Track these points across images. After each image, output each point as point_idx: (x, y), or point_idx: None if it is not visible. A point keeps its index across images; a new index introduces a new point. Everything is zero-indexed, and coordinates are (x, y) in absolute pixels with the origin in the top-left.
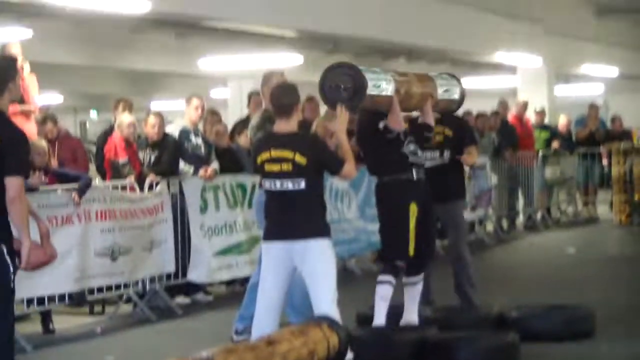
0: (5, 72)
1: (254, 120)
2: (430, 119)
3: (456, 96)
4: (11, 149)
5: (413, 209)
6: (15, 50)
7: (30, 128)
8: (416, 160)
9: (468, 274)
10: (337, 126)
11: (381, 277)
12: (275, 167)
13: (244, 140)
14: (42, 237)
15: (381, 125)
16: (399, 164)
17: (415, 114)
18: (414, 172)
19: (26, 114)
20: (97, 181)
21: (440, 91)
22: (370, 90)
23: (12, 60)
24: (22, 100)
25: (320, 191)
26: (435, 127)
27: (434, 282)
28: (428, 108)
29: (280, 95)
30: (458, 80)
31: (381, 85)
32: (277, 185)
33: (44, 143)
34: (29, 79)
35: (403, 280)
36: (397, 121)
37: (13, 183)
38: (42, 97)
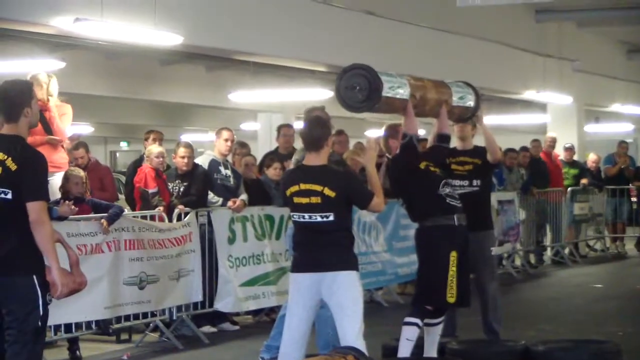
0: (20, 96)
1: (298, 155)
2: (446, 127)
3: (471, 103)
4: (28, 174)
5: (453, 256)
6: (45, 80)
7: (57, 158)
8: (454, 203)
9: (495, 309)
10: (367, 159)
11: (409, 319)
12: (304, 200)
13: (272, 172)
14: (72, 265)
15: (423, 165)
16: (438, 205)
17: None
18: (455, 218)
19: (53, 145)
20: (126, 211)
21: (455, 98)
22: (386, 93)
23: (27, 85)
24: (50, 131)
25: (349, 224)
26: (465, 158)
27: (459, 316)
28: (444, 116)
29: (311, 129)
30: (473, 88)
31: (396, 88)
32: (306, 217)
33: (81, 173)
34: (58, 109)
35: (425, 321)
36: (412, 125)
37: (34, 208)
38: (72, 128)
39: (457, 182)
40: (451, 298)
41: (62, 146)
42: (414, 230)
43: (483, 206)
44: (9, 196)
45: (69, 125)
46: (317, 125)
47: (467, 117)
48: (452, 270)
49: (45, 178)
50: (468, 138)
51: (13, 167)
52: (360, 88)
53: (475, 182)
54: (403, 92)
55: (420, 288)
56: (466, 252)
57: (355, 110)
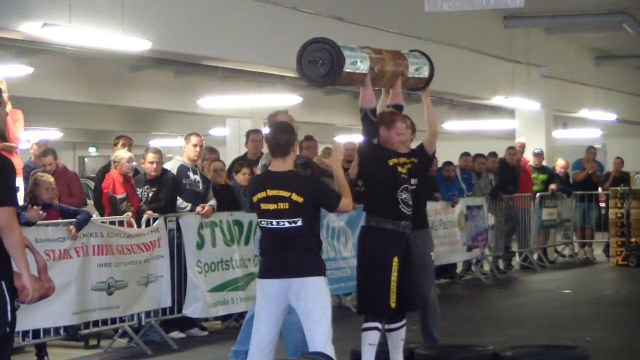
0: None
1: (265, 159)
2: (401, 99)
3: (426, 74)
4: None
5: (395, 262)
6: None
7: (15, 164)
8: (405, 210)
9: (435, 315)
10: (333, 160)
11: (367, 325)
12: (271, 206)
13: (241, 177)
14: (40, 271)
15: (391, 162)
16: (390, 208)
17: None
18: (401, 224)
19: (8, 151)
20: (94, 216)
21: (411, 69)
22: (347, 68)
23: None
24: (3, 138)
25: (316, 229)
26: (404, 159)
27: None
28: (398, 86)
29: (276, 135)
30: (428, 59)
31: (357, 62)
32: (274, 223)
33: (51, 178)
34: (12, 115)
35: (385, 326)
36: (368, 98)
37: (3, 213)
38: (36, 134)
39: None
40: (393, 303)
41: (16, 152)
42: None
43: (420, 206)
44: None
45: (21, 130)
46: (283, 131)
47: (420, 87)
48: (394, 275)
49: (13, 183)
50: (407, 142)
51: None
52: (322, 62)
53: (412, 181)
54: (363, 67)
55: (362, 292)
56: (408, 258)
57: (315, 84)
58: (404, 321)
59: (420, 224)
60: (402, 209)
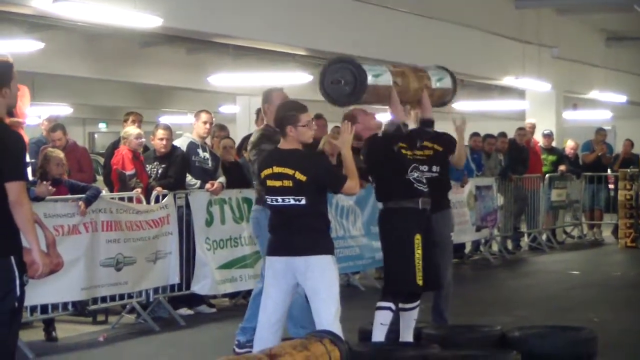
0: None
1: (253, 137)
2: (430, 112)
3: (449, 84)
4: (6, 154)
5: (418, 239)
6: None
7: None
8: (420, 187)
9: (447, 296)
10: (342, 142)
11: (381, 304)
12: (276, 183)
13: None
14: (49, 246)
15: (395, 148)
16: (404, 189)
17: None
18: (419, 201)
19: (15, 127)
20: (104, 192)
21: (434, 80)
22: (370, 81)
23: (7, 65)
24: (11, 113)
25: (323, 208)
26: (426, 142)
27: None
28: (426, 101)
29: (277, 113)
30: (448, 71)
31: (379, 75)
32: (279, 200)
33: (61, 154)
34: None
35: (399, 305)
36: (398, 111)
37: (13, 188)
38: (46, 109)
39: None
40: (420, 280)
41: (22, 128)
42: None
43: (443, 188)
44: None
45: (28, 106)
46: (281, 109)
47: (448, 99)
48: (418, 252)
49: (23, 158)
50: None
51: None
52: (345, 81)
53: (434, 168)
54: (386, 79)
55: (388, 273)
56: (430, 235)
57: (342, 105)
58: (418, 302)
59: (441, 205)
60: (418, 187)
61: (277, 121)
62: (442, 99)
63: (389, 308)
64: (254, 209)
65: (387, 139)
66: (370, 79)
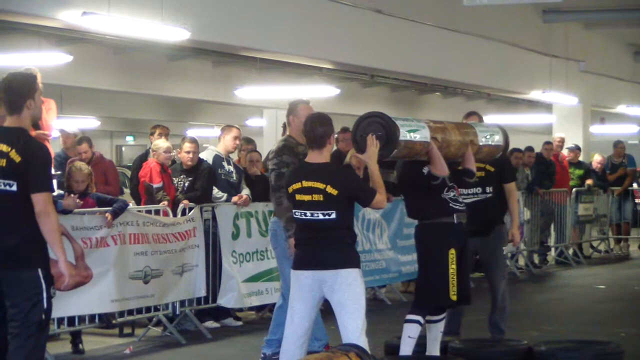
0: (23, 88)
1: (275, 146)
2: (472, 164)
3: (500, 142)
4: (32, 165)
5: (452, 254)
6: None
7: None
8: (456, 206)
9: (503, 308)
10: (369, 156)
11: (410, 317)
12: (306, 197)
13: None
14: (77, 258)
15: (425, 170)
16: (440, 207)
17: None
18: (454, 216)
19: (41, 139)
20: (131, 205)
21: (480, 137)
22: (404, 136)
23: (32, 77)
24: (37, 126)
25: (350, 221)
26: (477, 163)
27: (465, 316)
28: (469, 154)
29: (313, 126)
30: (500, 127)
31: (415, 130)
32: (308, 215)
33: (85, 169)
34: (44, 105)
35: (426, 317)
36: (440, 167)
37: (39, 199)
38: (63, 122)
39: (470, 190)
40: (453, 296)
41: (48, 141)
42: None
43: (497, 209)
44: (14, 188)
45: (54, 119)
46: (320, 123)
47: (498, 155)
48: (452, 267)
49: (49, 169)
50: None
51: (17, 159)
52: (377, 136)
53: (488, 189)
54: (422, 135)
55: (422, 286)
56: (465, 250)
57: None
58: (444, 314)
59: (496, 223)
60: (453, 206)
61: (316, 134)
62: (492, 156)
63: (417, 321)
64: (272, 220)
65: (419, 162)
66: (403, 134)
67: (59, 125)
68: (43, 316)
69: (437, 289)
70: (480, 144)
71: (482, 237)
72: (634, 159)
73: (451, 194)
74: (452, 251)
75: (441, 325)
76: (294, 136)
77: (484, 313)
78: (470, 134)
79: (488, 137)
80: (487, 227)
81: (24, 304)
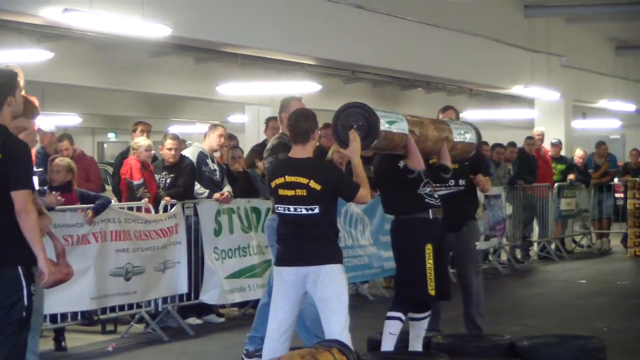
0: (4, 86)
1: (269, 144)
2: (448, 160)
3: (473, 140)
4: (13, 163)
5: (429, 249)
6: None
7: None
8: (432, 202)
9: (479, 304)
10: (351, 151)
11: (391, 314)
12: (289, 192)
13: (261, 165)
14: (58, 256)
15: (401, 164)
16: (415, 203)
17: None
18: (430, 212)
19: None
20: (113, 202)
21: (455, 134)
22: (384, 127)
23: (12, 74)
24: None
25: (333, 217)
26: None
27: (442, 311)
28: (445, 150)
29: (298, 121)
30: (473, 126)
31: (394, 122)
32: (291, 210)
33: (64, 162)
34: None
35: (409, 315)
36: (417, 160)
37: (19, 197)
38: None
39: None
40: (432, 290)
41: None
42: None
43: (469, 203)
44: None
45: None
46: (304, 118)
47: (471, 154)
48: (429, 262)
49: (30, 167)
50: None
51: None
52: (357, 126)
53: (461, 182)
54: (401, 127)
55: (400, 282)
56: (442, 245)
57: None
58: (429, 312)
59: (468, 216)
60: (429, 201)
61: (300, 129)
62: (465, 154)
63: (398, 318)
64: (270, 217)
65: (395, 157)
66: (383, 125)
67: (44, 123)
68: (24, 313)
69: (414, 284)
70: (455, 140)
71: (455, 231)
72: (616, 159)
73: (427, 189)
74: (429, 246)
75: (425, 323)
76: (287, 133)
77: (462, 308)
78: (445, 130)
79: (462, 134)
80: (459, 220)
81: (4, 302)
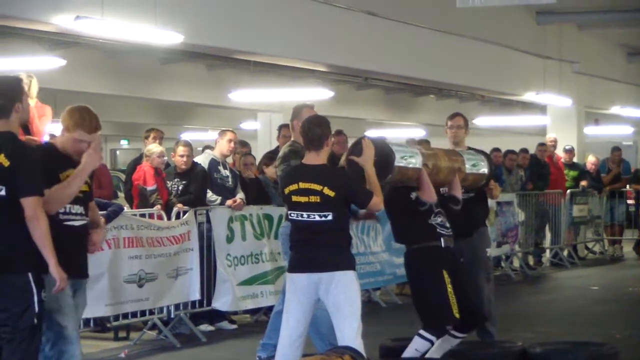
0: (12, 92)
1: (282, 152)
2: (458, 192)
3: (485, 170)
4: (21, 169)
5: (445, 275)
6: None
7: None
8: (443, 232)
9: (489, 310)
10: (364, 159)
11: (425, 334)
12: (302, 199)
13: (271, 172)
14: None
15: (413, 196)
16: (426, 233)
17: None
18: (442, 240)
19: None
20: (126, 209)
21: (468, 165)
22: (399, 162)
23: (18, 80)
24: (28, 131)
25: (346, 223)
26: None
27: None
28: (456, 182)
29: (311, 128)
30: (486, 155)
31: (409, 157)
32: (304, 216)
33: None
34: (38, 111)
35: (450, 331)
36: (429, 193)
37: (29, 203)
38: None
39: None
40: (457, 314)
41: None
42: None
43: (480, 210)
44: (3, 192)
45: (47, 125)
46: (317, 125)
47: (482, 184)
48: (449, 287)
49: (38, 173)
50: (462, 142)
51: (6, 163)
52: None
53: (471, 192)
54: (415, 162)
55: (422, 311)
56: (455, 272)
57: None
58: (464, 335)
59: (478, 224)
60: (440, 231)
61: (313, 136)
62: (476, 184)
63: (430, 341)
64: (284, 224)
65: (406, 188)
66: (398, 160)
67: (51, 131)
68: (35, 320)
69: (438, 310)
70: (467, 171)
71: (465, 238)
72: (629, 165)
73: (439, 219)
74: (444, 273)
75: (456, 342)
76: (299, 141)
77: None
78: (458, 162)
79: (474, 165)
80: (469, 226)
81: (14, 309)
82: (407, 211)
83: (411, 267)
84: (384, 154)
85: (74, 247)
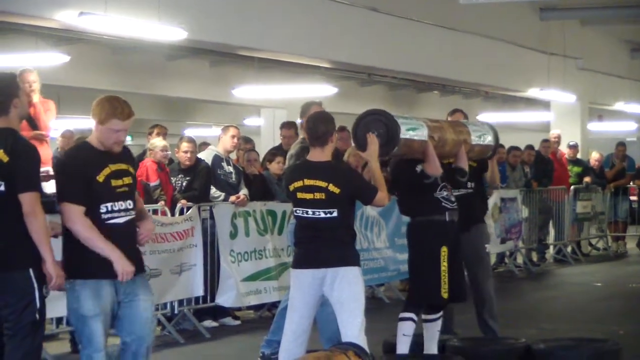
0: (9, 88)
1: (293, 149)
2: (465, 163)
3: (491, 142)
4: (20, 165)
5: (444, 251)
6: (33, 78)
7: (44, 153)
8: (448, 205)
9: (491, 307)
10: (369, 154)
11: (404, 315)
12: (308, 196)
13: (275, 166)
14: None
15: (418, 169)
16: (432, 206)
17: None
18: (446, 214)
19: (39, 139)
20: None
21: (473, 137)
22: (404, 135)
23: (13, 76)
24: (35, 126)
25: (351, 220)
26: None
27: (457, 314)
28: (462, 153)
29: (316, 125)
30: (491, 127)
31: (415, 129)
32: (309, 213)
33: None
34: (42, 105)
35: (422, 316)
36: (435, 166)
37: (27, 199)
38: (57, 123)
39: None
40: (445, 293)
41: (47, 141)
42: None
43: (478, 206)
44: (2, 188)
45: (52, 120)
46: (322, 121)
47: (489, 155)
48: (444, 265)
49: (37, 169)
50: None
51: (5, 158)
52: (378, 133)
53: (469, 184)
54: (421, 134)
55: (414, 285)
56: (458, 247)
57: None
58: (441, 312)
59: (477, 219)
60: (445, 205)
61: (318, 132)
62: (482, 155)
63: (410, 319)
64: (292, 222)
65: (411, 160)
66: (403, 132)
67: (61, 126)
68: (37, 316)
69: (428, 287)
70: (473, 143)
71: (464, 233)
72: (634, 162)
73: (444, 193)
74: (444, 249)
75: (438, 324)
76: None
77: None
78: (463, 133)
79: (480, 136)
80: (468, 220)
81: (16, 305)
82: (412, 184)
83: (412, 240)
84: (390, 127)
85: (121, 245)
